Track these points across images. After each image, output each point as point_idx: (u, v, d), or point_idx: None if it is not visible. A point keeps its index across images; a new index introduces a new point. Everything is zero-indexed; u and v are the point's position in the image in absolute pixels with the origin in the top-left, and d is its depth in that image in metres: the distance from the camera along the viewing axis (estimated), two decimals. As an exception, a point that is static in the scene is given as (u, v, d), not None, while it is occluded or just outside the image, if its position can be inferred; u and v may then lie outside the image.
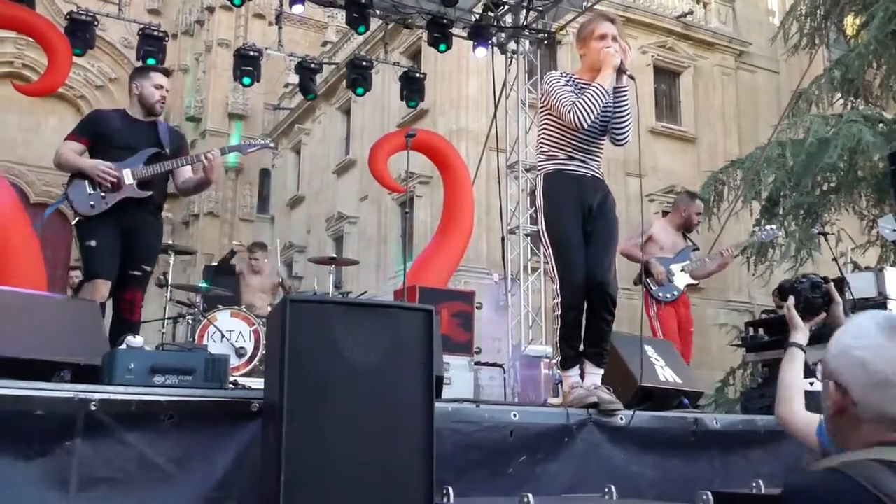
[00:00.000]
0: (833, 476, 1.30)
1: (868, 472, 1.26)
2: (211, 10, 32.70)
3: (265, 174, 32.83)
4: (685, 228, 6.62)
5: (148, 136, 4.60)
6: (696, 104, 22.38)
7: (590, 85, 3.84)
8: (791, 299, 2.67)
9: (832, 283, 2.75)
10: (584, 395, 3.68)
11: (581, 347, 3.85)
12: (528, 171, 11.08)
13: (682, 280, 6.37)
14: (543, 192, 3.86)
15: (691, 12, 22.92)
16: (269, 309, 7.77)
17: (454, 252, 9.81)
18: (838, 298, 2.72)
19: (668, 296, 6.30)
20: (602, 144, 3.97)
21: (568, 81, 3.92)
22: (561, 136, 3.87)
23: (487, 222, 15.82)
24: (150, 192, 4.52)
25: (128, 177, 4.45)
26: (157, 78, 4.66)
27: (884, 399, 1.32)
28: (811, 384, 2.55)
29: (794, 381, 2.46)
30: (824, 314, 2.71)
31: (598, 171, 3.92)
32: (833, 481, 1.29)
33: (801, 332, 2.59)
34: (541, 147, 3.96)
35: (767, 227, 7.35)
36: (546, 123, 3.94)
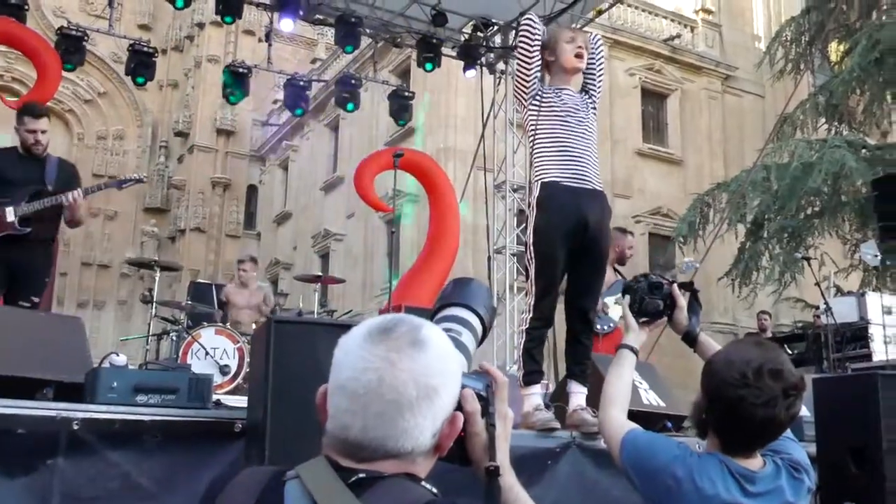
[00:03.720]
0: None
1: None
2: (201, 26, 32.78)
3: (252, 190, 32.81)
4: (619, 262, 6.72)
5: (33, 173, 4.83)
6: (683, 127, 22.55)
7: (563, 89, 3.85)
8: (627, 298, 2.50)
9: (676, 286, 2.53)
10: (547, 419, 3.60)
11: (541, 365, 3.81)
12: (515, 190, 11.12)
13: (616, 312, 6.45)
14: (538, 201, 3.75)
15: (679, 36, 23.17)
16: (255, 327, 7.79)
17: (440, 271, 9.81)
18: (682, 302, 2.49)
19: (606, 328, 6.38)
20: (595, 147, 3.88)
21: (543, 91, 3.90)
22: (554, 145, 3.81)
23: (474, 242, 15.84)
24: (29, 229, 4.75)
25: (9, 214, 4.70)
26: (30, 123, 4.85)
27: (331, 407, 1.15)
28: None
29: (618, 385, 2.33)
30: (665, 319, 2.51)
31: (598, 184, 3.81)
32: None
33: (633, 334, 2.43)
34: (535, 152, 3.89)
35: (687, 259, 7.37)
36: (535, 130, 3.89)
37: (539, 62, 3.90)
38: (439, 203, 10.37)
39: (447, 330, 1.32)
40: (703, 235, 16.15)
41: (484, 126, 11.14)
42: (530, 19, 3.94)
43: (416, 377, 1.13)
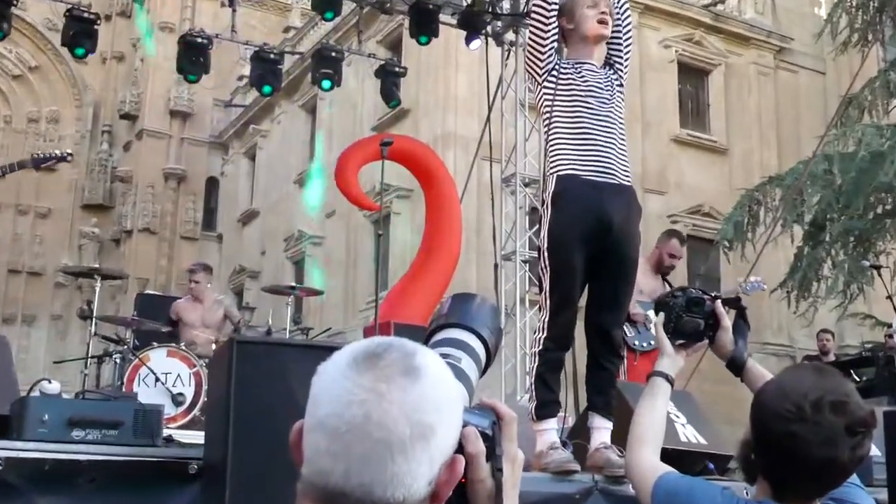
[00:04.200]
0: None
1: None
2: (152, -14, 32.84)
3: (212, 183, 32.87)
4: (659, 271, 6.70)
5: None
6: (728, 108, 22.62)
7: (584, 63, 3.90)
8: (661, 316, 2.47)
9: (721, 301, 2.50)
10: (564, 459, 3.59)
11: (558, 395, 3.81)
12: (526, 185, 11.15)
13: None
14: (553, 198, 3.79)
15: (722, 0, 23.20)
16: (214, 348, 7.78)
17: (438, 281, 9.83)
18: (726, 322, 2.47)
19: (646, 345, 6.37)
20: (622, 133, 3.90)
21: (559, 64, 3.92)
22: (572, 131, 3.83)
23: (478, 246, 15.85)
24: None
25: None
26: None
27: (308, 447, 1.13)
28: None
29: (649, 420, 2.31)
30: (706, 341, 2.50)
31: (625, 177, 3.84)
32: None
33: (668, 360, 2.43)
34: (550, 139, 3.92)
35: (753, 279, 7.34)
36: (551, 113, 3.89)
37: (556, 31, 3.93)
38: (437, 199, 10.40)
39: (445, 356, 1.32)
40: (752, 239, 16.15)
41: (490, 108, 11.15)
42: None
43: (409, 412, 1.11)
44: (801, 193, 15.65)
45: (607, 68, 4.01)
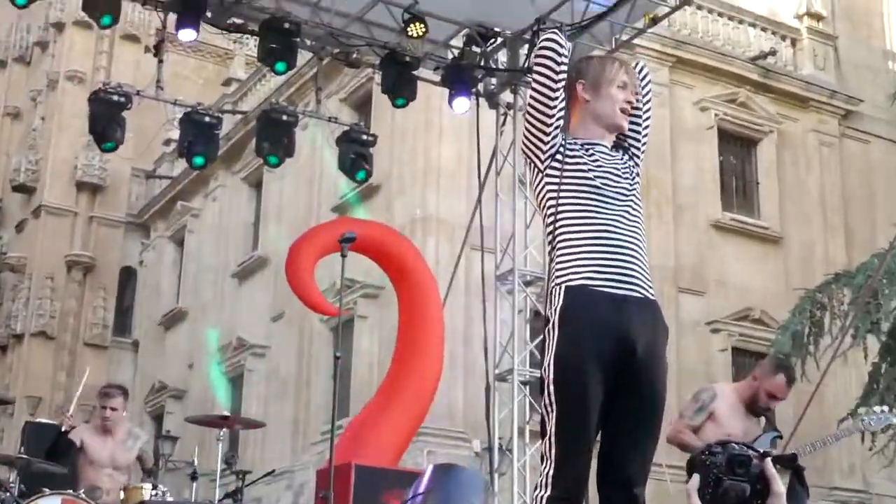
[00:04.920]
0: None
1: None
2: (59, 27, 33.17)
3: (128, 275, 32.81)
4: (752, 410, 6.67)
5: None
6: (782, 187, 22.65)
7: (595, 145, 3.95)
8: (695, 479, 2.48)
9: (770, 460, 2.51)
10: None
11: None
12: (528, 283, 11.07)
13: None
14: (561, 315, 3.76)
15: (774, 52, 23.35)
16: (123, 495, 7.62)
17: (413, 408, 9.79)
18: (778, 487, 2.46)
19: None
20: (643, 233, 3.95)
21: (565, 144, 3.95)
22: (585, 230, 3.85)
23: (466, 361, 15.80)
24: None
25: None
26: None
27: None
28: None
29: None
30: None
31: (650, 289, 3.85)
32: None
33: None
34: (556, 242, 3.91)
35: (877, 408, 7.31)
36: (556, 207, 3.91)
37: (564, 105, 3.96)
38: (413, 301, 10.38)
39: None
40: (815, 353, 16.12)
41: (481, 186, 11.18)
42: (555, 40, 3.95)
43: None
44: (877, 295, 15.70)
45: (621, 152, 4.05)
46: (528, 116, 4.02)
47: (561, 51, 3.93)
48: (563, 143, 3.92)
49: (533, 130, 3.96)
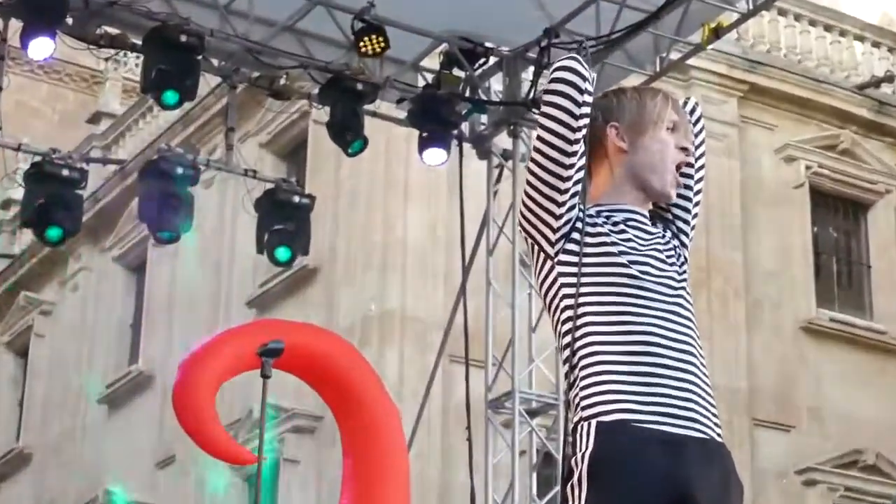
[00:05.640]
0: None
1: None
2: None
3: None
4: None
5: None
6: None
7: (629, 211, 3.84)
8: None
9: None
10: None
11: None
12: (533, 413, 11.13)
13: None
14: (590, 466, 3.59)
15: (892, 78, 23.43)
16: None
17: None
18: None
19: None
20: (700, 345, 3.77)
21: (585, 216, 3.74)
22: (619, 342, 3.67)
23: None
24: None
25: None
26: None
27: None
28: None
29: None
30: None
31: (714, 426, 3.71)
32: None
33: None
34: (578, 360, 3.73)
35: None
36: (575, 310, 3.70)
37: (584, 160, 3.77)
38: (363, 441, 10.16)
39: None
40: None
41: (465, 271, 11.20)
42: (573, 67, 3.79)
43: None
44: None
45: (661, 226, 3.88)
46: (531, 177, 3.83)
47: (583, 84, 3.77)
48: (582, 214, 3.77)
49: (539, 198, 3.80)
